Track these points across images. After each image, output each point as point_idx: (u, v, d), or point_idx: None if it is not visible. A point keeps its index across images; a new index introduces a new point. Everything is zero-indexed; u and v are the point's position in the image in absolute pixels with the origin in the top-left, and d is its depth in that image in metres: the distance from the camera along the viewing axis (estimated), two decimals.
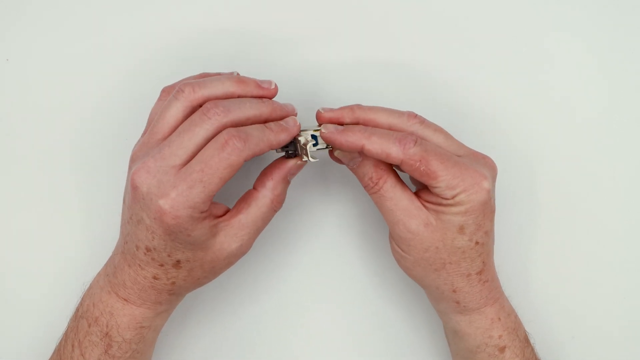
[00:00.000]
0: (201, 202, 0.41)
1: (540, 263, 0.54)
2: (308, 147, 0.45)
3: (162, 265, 0.44)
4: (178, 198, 0.41)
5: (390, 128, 0.46)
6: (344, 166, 0.47)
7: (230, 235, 0.44)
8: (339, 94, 0.54)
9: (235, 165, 0.41)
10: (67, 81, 0.54)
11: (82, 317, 0.46)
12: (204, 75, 0.47)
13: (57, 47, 0.54)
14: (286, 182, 0.46)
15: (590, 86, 0.54)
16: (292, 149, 0.45)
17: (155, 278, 0.44)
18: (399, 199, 0.45)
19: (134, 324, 0.45)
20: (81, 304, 0.47)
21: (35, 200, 0.54)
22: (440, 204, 0.44)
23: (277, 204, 0.46)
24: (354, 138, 0.44)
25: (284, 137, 0.44)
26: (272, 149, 0.43)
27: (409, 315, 0.54)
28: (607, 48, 0.54)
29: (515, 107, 0.54)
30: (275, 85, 0.45)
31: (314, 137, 0.45)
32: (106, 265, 0.47)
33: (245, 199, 0.45)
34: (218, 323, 0.55)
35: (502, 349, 0.47)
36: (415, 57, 0.54)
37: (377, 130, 0.45)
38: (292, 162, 0.45)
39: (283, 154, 0.46)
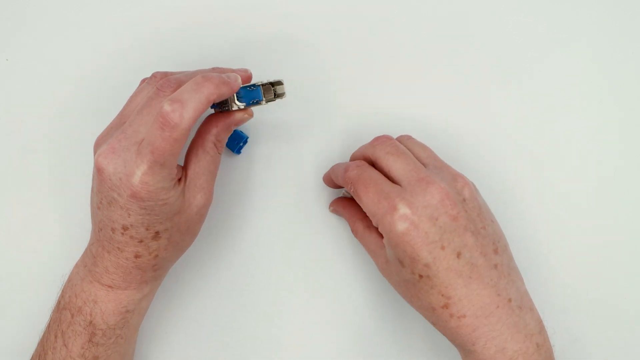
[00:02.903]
0: (166, 175, 0.42)
1: (538, 265, 0.54)
2: (234, 98, 0.45)
3: (141, 241, 0.44)
4: (144, 177, 0.42)
5: (362, 155, 0.50)
6: None
7: (191, 188, 0.45)
8: (343, 91, 0.54)
9: (182, 136, 0.41)
10: (67, 81, 0.54)
11: (64, 309, 0.46)
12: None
13: (57, 47, 0.54)
14: (229, 130, 0.47)
15: (594, 84, 0.55)
16: (226, 107, 0.46)
17: (137, 257, 0.45)
18: (369, 243, 0.48)
19: (119, 309, 0.46)
20: (62, 295, 0.47)
21: (31, 199, 0.54)
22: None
23: (220, 148, 0.47)
24: (325, 177, 0.53)
25: (224, 90, 0.43)
26: (210, 104, 0.43)
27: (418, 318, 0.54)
28: (608, 50, 0.54)
29: (516, 111, 0.54)
30: (237, 79, 0.44)
31: (242, 91, 0.45)
32: (83, 256, 0.47)
33: (192, 150, 0.46)
34: (216, 321, 0.55)
35: None
36: (423, 55, 0.54)
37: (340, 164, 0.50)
38: (239, 114, 0.46)
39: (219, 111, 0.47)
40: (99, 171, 0.43)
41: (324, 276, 0.54)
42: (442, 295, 0.43)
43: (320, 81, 0.54)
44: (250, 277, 0.54)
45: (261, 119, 0.54)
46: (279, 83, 0.46)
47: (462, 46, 0.54)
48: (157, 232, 0.44)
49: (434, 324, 0.45)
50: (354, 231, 0.50)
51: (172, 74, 0.46)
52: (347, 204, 0.52)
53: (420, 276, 0.43)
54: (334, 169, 0.51)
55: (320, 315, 0.54)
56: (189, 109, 0.41)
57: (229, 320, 0.54)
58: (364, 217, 0.49)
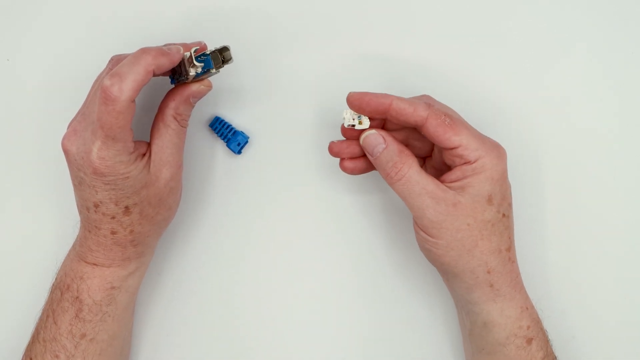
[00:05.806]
0: (121, 149, 0.44)
1: (537, 262, 0.54)
2: (187, 66, 0.46)
3: (113, 217, 0.46)
4: (100, 152, 0.44)
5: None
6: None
7: (157, 162, 0.47)
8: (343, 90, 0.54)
9: (125, 109, 0.43)
10: (67, 81, 0.54)
11: (56, 288, 0.48)
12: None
13: (57, 47, 0.54)
14: (188, 103, 0.48)
15: (594, 84, 0.54)
16: (184, 78, 0.47)
17: (113, 233, 0.46)
18: (426, 183, 0.45)
19: (104, 285, 0.47)
20: (55, 278, 0.49)
21: (32, 196, 0.54)
22: (465, 177, 0.45)
23: (182, 121, 0.48)
24: (381, 96, 0.45)
25: (163, 61, 0.44)
26: (149, 75, 0.44)
27: (428, 310, 0.55)
28: (611, 47, 0.54)
29: (521, 104, 0.54)
30: (179, 50, 0.46)
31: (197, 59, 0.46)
32: (74, 241, 0.50)
33: (154, 125, 0.48)
34: (216, 322, 0.55)
35: (529, 341, 0.47)
36: (422, 54, 0.54)
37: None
38: (195, 86, 0.47)
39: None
40: (65, 154, 0.46)
41: (325, 276, 0.55)
42: (509, 237, 0.47)
43: (324, 82, 0.54)
44: (250, 276, 0.55)
45: (261, 119, 0.54)
46: (226, 49, 0.47)
47: (462, 46, 0.54)
48: (126, 207, 0.46)
49: (491, 269, 0.46)
50: (402, 171, 0.45)
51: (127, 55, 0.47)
52: (392, 135, 0.47)
53: (504, 215, 0.46)
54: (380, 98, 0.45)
55: (321, 315, 0.55)
56: (127, 81, 0.43)
57: (228, 321, 0.54)
58: (415, 157, 0.46)
